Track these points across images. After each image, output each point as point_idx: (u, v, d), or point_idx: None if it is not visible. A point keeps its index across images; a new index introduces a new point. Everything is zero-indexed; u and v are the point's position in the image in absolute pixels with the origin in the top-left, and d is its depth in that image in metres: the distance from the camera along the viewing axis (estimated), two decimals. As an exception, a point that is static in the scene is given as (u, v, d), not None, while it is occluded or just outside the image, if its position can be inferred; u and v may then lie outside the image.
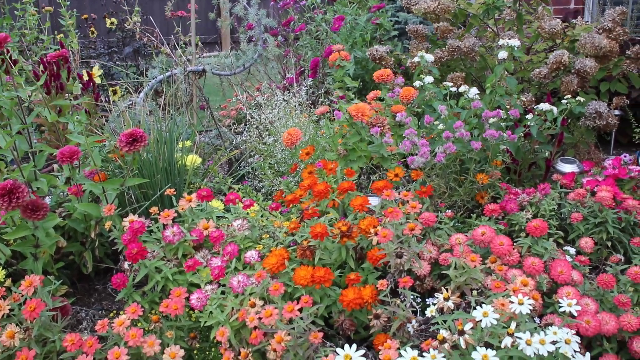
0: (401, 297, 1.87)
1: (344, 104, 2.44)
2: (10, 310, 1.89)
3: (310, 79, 3.60)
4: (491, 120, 2.41)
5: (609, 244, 2.31)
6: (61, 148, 2.06)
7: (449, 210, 2.33)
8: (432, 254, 2.10)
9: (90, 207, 2.19)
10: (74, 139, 2.14)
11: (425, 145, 2.24)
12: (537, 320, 1.90)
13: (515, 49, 2.60)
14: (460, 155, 2.41)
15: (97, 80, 3.03)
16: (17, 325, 1.83)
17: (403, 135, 2.33)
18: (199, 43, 3.91)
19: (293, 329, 1.72)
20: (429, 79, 2.63)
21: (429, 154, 2.23)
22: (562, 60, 2.84)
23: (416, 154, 2.25)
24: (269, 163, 2.87)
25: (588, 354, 1.71)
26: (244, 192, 2.63)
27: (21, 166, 2.14)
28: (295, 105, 3.14)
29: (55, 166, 2.64)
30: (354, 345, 1.54)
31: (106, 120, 3.10)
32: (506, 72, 2.64)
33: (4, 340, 1.79)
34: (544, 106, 2.54)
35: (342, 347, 1.54)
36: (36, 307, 1.82)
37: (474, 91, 2.54)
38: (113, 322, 1.88)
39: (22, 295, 1.92)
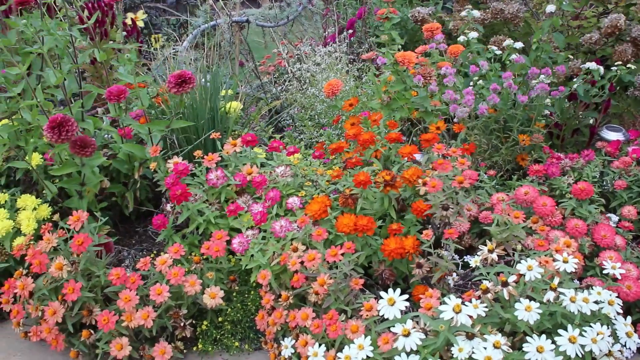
0: (444, 248, 1.87)
1: (389, 51, 2.41)
2: (57, 245, 1.95)
3: (349, 39, 3.56)
4: (534, 82, 2.36)
5: (653, 213, 2.27)
6: (109, 87, 2.08)
7: (491, 170, 2.30)
8: (472, 212, 2.09)
9: (135, 147, 2.23)
10: (124, 78, 2.16)
11: (470, 94, 2.21)
12: (576, 282, 1.88)
13: (564, 2, 2.52)
14: (504, 113, 2.37)
15: (140, 24, 3.02)
16: (64, 258, 1.88)
17: (444, 83, 2.32)
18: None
19: (335, 274, 1.73)
20: (473, 34, 2.58)
21: (472, 102, 2.20)
22: (618, 25, 2.72)
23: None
24: (310, 115, 2.86)
25: (629, 318, 1.71)
26: (288, 138, 2.62)
27: (70, 105, 2.17)
28: (336, 58, 3.11)
29: (100, 110, 2.68)
30: (398, 289, 1.55)
31: (148, 69, 3.12)
32: (554, 29, 2.57)
33: (53, 271, 1.85)
34: (591, 65, 2.47)
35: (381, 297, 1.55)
36: (84, 241, 1.87)
37: (519, 45, 2.49)
38: (155, 261, 1.92)
39: (69, 231, 1.97)
